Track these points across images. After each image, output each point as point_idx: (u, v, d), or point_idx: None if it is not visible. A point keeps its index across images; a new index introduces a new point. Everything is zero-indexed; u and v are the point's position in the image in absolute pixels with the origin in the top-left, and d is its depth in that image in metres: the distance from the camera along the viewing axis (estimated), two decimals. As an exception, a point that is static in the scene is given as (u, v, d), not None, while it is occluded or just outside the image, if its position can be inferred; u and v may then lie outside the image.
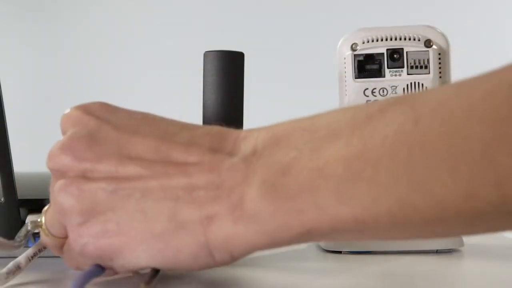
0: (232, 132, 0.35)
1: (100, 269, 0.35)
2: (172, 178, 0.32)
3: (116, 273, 0.35)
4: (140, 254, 0.33)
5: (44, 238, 0.37)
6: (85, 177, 0.34)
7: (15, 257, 0.38)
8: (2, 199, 0.43)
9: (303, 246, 0.51)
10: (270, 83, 1.86)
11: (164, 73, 2.08)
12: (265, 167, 0.31)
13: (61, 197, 0.34)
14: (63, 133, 0.36)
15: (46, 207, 0.36)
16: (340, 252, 0.48)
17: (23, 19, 2.26)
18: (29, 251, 0.39)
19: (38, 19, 2.26)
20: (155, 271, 0.36)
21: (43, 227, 0.37)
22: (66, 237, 0.36)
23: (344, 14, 1.97)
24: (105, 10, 2.23)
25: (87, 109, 0.36)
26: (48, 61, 2.22)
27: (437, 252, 0.48)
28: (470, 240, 0.50)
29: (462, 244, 0.48)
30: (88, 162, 0.34)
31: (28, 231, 0.39)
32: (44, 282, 0.39)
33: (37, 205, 0.39)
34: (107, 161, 0.33)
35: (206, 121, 0.47)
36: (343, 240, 0.32)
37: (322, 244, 0.49)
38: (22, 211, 0.44)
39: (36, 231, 0.39)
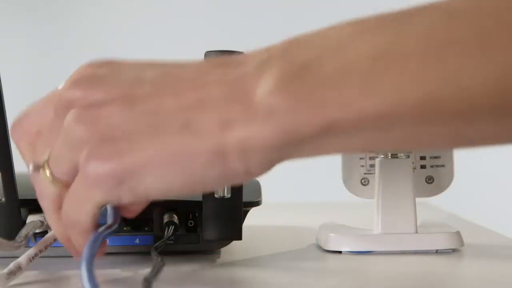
0: (238, 53, 0.34)
1: (102, 233, 0.34)
2: (184, 95, 0.32)
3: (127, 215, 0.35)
4: (151, 173, 0.32)
5: (42, 186, 0.35)
6: (96, 105, 0.32)
7: (16, 257, 0.38)
8: (3, 199, 0.43)
9: (303, 246, 0.51)
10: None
11: (164, 73, 2.08)
12: (284, 61, 0.30)
13: (75, 127, 0.32)
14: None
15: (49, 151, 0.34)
16: (340, 252, 0.48)
17: (23, 19, 2.26)
18: (30, 251, 0.39)
19: (38, 19, 2.26)
20: (158, 267, 0.36)
21: (45, 167, 0.34)
22: (68, 184, 0.34)
23: (344, 14, 1.97)
24: (105, 10, 2.23)
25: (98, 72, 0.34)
26: (48, 61, 2.23)
27: (437, 252, 0.48)
28: (470, 240, 0.50)
29: (462, 244, 0.48)
30: (101, 93, 0.33)
31: (29, 232, 0.39)
32: (45, 282, 0.39)
33: (38, 205, 0.39)
34: (121, 85, 0.33)
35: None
36: (363, 144, 0.31)
37: (322, 244, 0.49)
38: (23, 211, 0.44)
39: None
